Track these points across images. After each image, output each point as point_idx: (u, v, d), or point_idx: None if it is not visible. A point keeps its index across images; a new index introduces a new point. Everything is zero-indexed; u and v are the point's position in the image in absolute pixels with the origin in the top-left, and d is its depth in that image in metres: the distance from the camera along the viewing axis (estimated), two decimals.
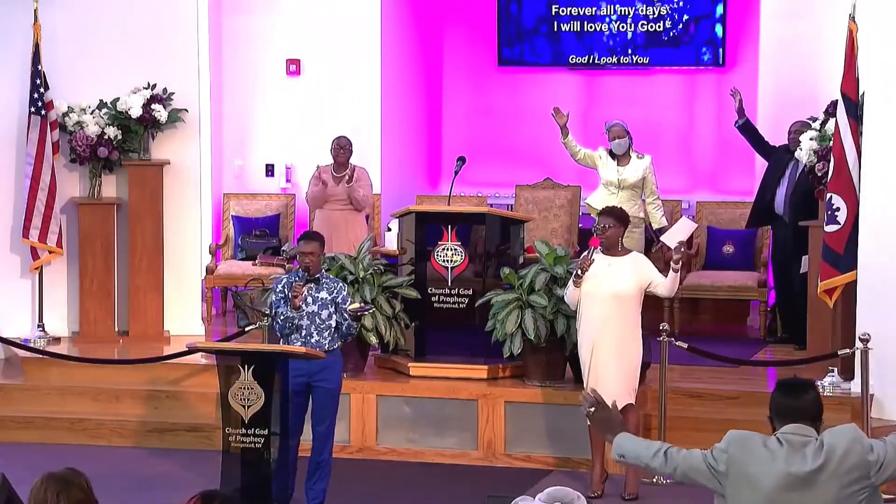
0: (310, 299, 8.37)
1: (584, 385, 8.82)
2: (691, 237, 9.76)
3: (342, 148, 11.33)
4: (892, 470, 4.85)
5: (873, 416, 9.12)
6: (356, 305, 8.77)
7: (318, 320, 8.38)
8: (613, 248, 8.79)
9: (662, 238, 9.48)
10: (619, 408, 8.64)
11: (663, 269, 8.87)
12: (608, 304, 8.68)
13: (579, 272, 8.70)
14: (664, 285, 8.75)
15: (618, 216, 8.85)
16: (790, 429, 4.87)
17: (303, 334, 8.37)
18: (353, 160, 11.45)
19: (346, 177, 11.25)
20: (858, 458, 4.82)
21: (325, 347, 8.37)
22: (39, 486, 4.44)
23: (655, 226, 10.82)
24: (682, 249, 8.76)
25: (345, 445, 9.75)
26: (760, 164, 12.29)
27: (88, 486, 4.48)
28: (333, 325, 8.42)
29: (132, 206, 11.16)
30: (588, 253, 8.78)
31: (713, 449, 4.92)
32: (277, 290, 8.49)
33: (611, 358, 8.66)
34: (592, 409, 5.18)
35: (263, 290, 10.48)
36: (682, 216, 12.42)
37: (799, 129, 10.70)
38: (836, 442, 4.83)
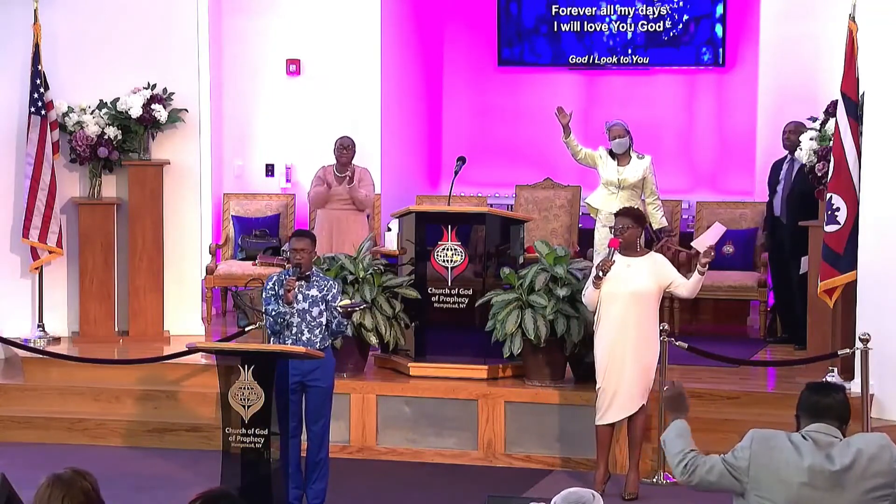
0: (300, 296, 8.38)
1: (598, 386, 8.81)
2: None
3: (345, 148, 11.34)
4: None
5: (873, 416, 9.11)
6: (347, 302, 8.79)
7: (308, 317, 8.39)
8: (632, 249, 8.79)
9: (693, 243, 9.48)
10: (634, 410, 8.72)
11: None
12: (628, 305, 8.68)
13: (600, 273, 8.70)
14: (686, 286, 8.75)
15: (635, 216, 8.86)
16: (816, 427, 4.89)
17: (294, 332, 8.38)
18: (354, 160, 11.44)
19: (348, 177, 11.27)
20: (885, 465, 4.83)
21: (317, 345, 8.37)
22: (44, 488, 4.44)
23: (655, 226, 10.82)
24: (712, 253, 8.76)
25: (345, 445, 9.75)
26: (760, 165, 12.31)
27: (94, 487, 4.47)
28: (324, 322, 8.42)
29: (132, 206, 11.16)
30: (608, 254, 8.78)
31: (734, 449, 4.93)
32: (267, 287, 8.50)
33: (628, 358, 8.67)
34: (666, 389, 5.19)
35: (263, 289, 10.48)
36: (686, 215, 12.45)
37: (793, 129, 10.74)
38: (865, 446, 4.85)
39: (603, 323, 8.78)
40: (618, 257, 8.73)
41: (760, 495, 4.84)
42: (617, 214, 9.00)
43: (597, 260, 9.38)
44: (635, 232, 8.78)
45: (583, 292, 8.98)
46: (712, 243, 8.89)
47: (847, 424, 4.95)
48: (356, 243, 10.55)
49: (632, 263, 8.74)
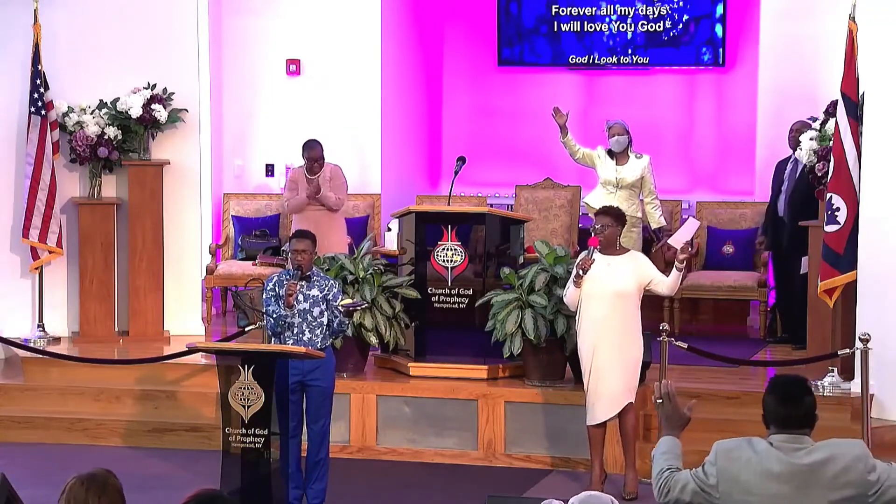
0: (301, 297, 8.37)
1: (585, 387, 8.83)
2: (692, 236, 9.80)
3: (312, 150, 10.99)
4: (895, 492, 4.78)
5: (873, 416, 9.11)
6: (349, 301, 8.78)
7: (309, 318, 8.39)
8: (612, 248, 8.80)
9: (669, 241, 9.50)
10: (621, 407, 8.73)
11: (664, 269, 8.88)
12: (609, 304, 8.68)
13: (580, 272, 8.70)
14: (665, 283, 8.76)
15: (615, 215, 8.86)
16: (783, 438, 4.83)
17: (294, 332, 8.37)
18: (353, 160, 11.38)
19: (316, 186, 10.97)
20: (858, 476, 4.76)
21: (318, 345, 8.37)
22: (78, 486, 4.45)
23: (654, 225, 10.82)
24: (689, 249, 8.77)
25: (345, 445, 9.76)
26: (760, 165, 12.31)
27: (120, 487, 4.52)
28: (325, 322, 8.42)
29: (132, 206, 11.16)
30: (587, 253, 8.79)
31: (703, 464, 4.91)
32: (268, 288, 8.49)
33: (612, 357, 8.68)
34: (660, 401, 5.15)
35: (263, 290, 10.48)
36: (685, 216, 12.44)
37: (800, 128, 10.71)
38: (839, 454, 4.78)
39: (584, 322, 8.79)
40: (598, 256, 8.73)
41: None
42: (597, 213, 9.01)
43: (578, 260, 9.39)
44: (615, 231, 8.79)
45: (564, 292, 8.99)
46: (688, 239, 8.90)
47: (816, 420, 4.88)
48: (334, 243, 10.50)
49: (612, 262, 8.74)
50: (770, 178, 11.45)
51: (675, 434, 5.11)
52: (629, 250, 8.98)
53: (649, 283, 8.78)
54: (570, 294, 8.83)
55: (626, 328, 8.72)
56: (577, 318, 8.87)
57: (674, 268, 8.70)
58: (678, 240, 8.95)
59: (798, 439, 4.81)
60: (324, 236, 10.86)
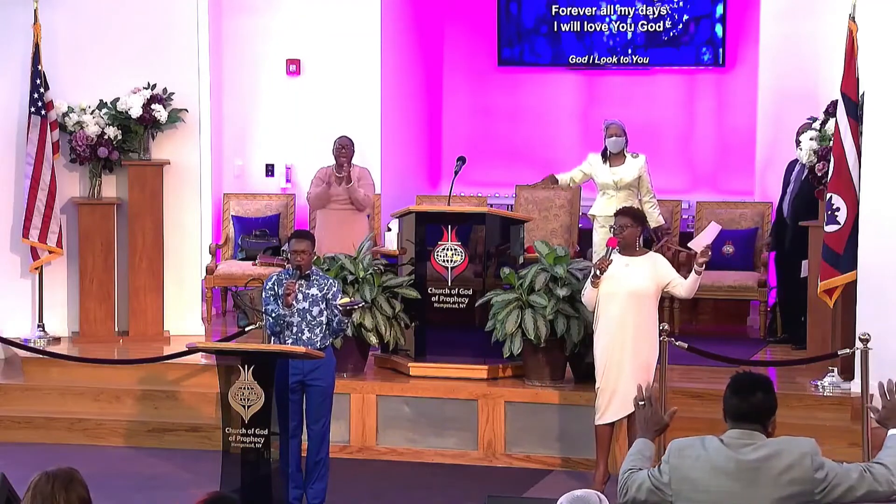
0: (300, 296, 8.38)
1: (596, 385, 8.83)
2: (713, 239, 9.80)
3: (344, 148, 11.25)
4: (842, 490, 4.80)
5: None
6: (347, 300, 8.79)
7: (308, 317, 8.39)
8: (631, 248, 8.80)
9: (690, 244, 9.49)
10: (633, 409, 8.71)
11: None
12: (626, 304, 8.69)
13: (597, 272, 8.71)
14: (684, 286, 8.77)
15: (634, 216, 8.88)
16: (735, 434, 4.87)
17: (294, 331, 8.38)
18: (354, 160, 11.41)
19: (347, 177, 11.19)
20: (804, 473, 4.77)
21: (317, 345, 8.37)
22: (44, 482, 4.48)
23: (653, 225, 10.80)
24: (709, 253, 8.77)
25: (345, 445, 9.76)
26: (760, 165, 12.30)
27: (86, 483, 4.54)
28: (325, 321, 8.42)
29: (132, 206, 11.16)
30: (606, 253, 8.80)
31: (659, 463, 4.94)
32: (267, 287, 8.49)
33: (626, 357, 8.68)
34: (642, 404, 5.18)
35: (263, 289, 10.48)
36: (685, 215, 12.43)
37: (804, 130, 10.70)
38: (787, 450, 4.81)
39: (601, 322, 8.80)
40: (616, 257, 8.74)
41: None
42: (616, 214, 9.02)
43: (596, 260, 9.38)
44: (634, 231, 8.79)
45: (582, 292, 9.00)
46: (709, 242, 8.90)
47: (771, 420, 4.90)
48: (357, 243, 10.55)
49: (630, 263, 8.75)
50: (770, 178, 11.44)
51: (650, 437, 5.18)
52: (648, 251, 8.98)
53: (667, 284, 8.78)
54: (587, 294, 8.84)
55: (641, 329, 8.72)
56: (594, 317, 8.88)
57: (692, 271, 8.72)
58: (700, 243, 8.94)
59: (749, 435, 4.85)
60: (347, 234, 10.96)
